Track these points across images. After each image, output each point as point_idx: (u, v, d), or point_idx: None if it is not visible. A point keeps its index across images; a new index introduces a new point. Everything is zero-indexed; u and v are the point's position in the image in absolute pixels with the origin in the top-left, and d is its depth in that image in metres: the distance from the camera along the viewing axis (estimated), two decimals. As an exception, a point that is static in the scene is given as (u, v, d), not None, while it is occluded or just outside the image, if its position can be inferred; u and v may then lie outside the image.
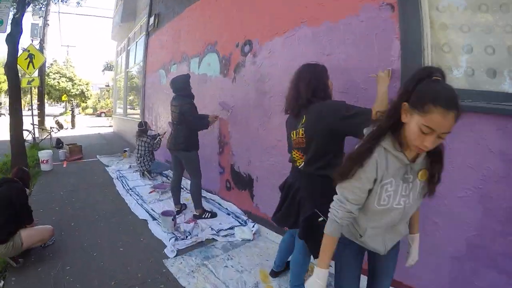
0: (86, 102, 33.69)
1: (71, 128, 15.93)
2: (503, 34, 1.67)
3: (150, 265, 2.73)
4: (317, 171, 1.88)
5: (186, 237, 3.23)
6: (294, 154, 2.05)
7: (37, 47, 10.33)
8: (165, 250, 2.97)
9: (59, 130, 11.75)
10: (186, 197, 4.40)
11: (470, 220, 1.80)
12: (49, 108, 28.60)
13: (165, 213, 3.45)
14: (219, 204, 4.23)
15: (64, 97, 25.60)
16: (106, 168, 6.65)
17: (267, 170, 3.44)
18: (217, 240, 3.24)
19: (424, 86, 1.05)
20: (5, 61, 5.78)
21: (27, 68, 7.20)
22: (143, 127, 5.77)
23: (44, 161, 6.19)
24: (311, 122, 1.87)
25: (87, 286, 2.40)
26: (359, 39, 2.35)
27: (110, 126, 16.56)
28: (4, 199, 2.56)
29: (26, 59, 7.11)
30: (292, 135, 2.05)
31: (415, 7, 1.93)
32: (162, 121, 6.72)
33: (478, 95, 1.74)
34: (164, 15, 6.76)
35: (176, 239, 3.14)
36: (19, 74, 6.26)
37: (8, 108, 6.29)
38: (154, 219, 3.74)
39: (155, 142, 5.73)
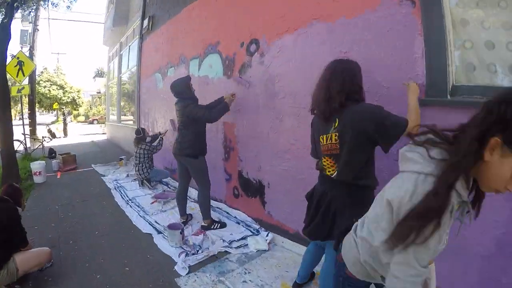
0: (77, 110, 33.15)
1: (64, 137, 15.55)
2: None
3: (161, 285, 2.48)
4: (353, 180, 1.73)
5: (197, 251, 2.99)
6: (325, 162, 1.85)
7: (27, 54, 10.01)
8: (175, 267, 2.73)
9: (51, 139, 11.40)
10: (190, 206, 4.16)
11: (498, 218, 1.72)
12: (40, 117, 28.11)
13: (172, 227, 3.20)
14: (227, 213, 4.00)
15: (55, 105, 25.16)
16: (102, 178, 6.35)
17: (280, 176, 3.23)
18: (230, 253, 3.01)
19: None
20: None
21: (17, 76, 6.93)
22: (140, 135, 5.47)
23: (37, 173, 5.88)
24: (346, 127, 1.68)
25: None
26: (379, 35, 2.22)
27: (103, 133, 16.21)
28: None
29: (15, 66, 6.84)
30: (321, 140, 1.84)
31: (437, 3, 1.84)
32: (160, 126, 6.47)
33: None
34: (159, 17, 6.52)
35: (187, 254, 2.89)
36: (9, 82, 5.98)
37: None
38: (159, 232, 3.48)
39: (156, 143, 5.49)
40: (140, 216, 4.01)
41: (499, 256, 1.74)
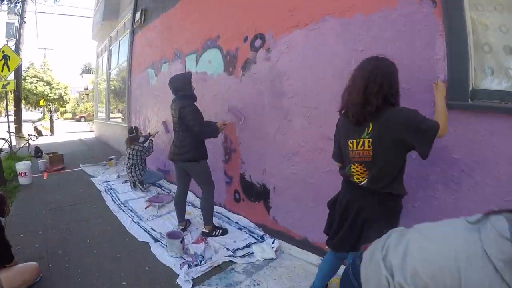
0: (64, 107, 32.47)
1: (50, 135, 15.04)
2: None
3: (163, 303, 2.25)
4: (384, 188, 1.60)
5: (200, 261, 2.76)
6: (354, 168, 1.69)
7: (13, 48, 9.56)
8: (178, 280, 2.49)
9: (37, 138, 10.96)
10: (188, 210, 3.90)
11: None
12: (26, 114, 27.36)
13: (171, 235, 2.95)
14: (228, 218, 3.78)
15: (41, 102, 24.55)
16: (91, 179, 6.02)
17: (288, 179, 3.03)
18: (235, 262, 2.79)
19: None
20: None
21: (2, 70, 6.63)
22: (133, 134, 5.16)
23: (22, 174, 5.52)
24: (381, 132, 1.54)
25: None
26: (398, 34, 2.11)
27: (91, 131, 15.74)
28: None
29: (0, 60, 6.46)
30: (350, 145, 1.68)
31: (458, 4, 1.79)
32: (152, 125, 6.19)
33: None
34: (152, 10, 6.21)
35: (189, 266, 2.66)
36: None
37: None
38: (156, 240, 3.23)
39: (147, 144, 5.21)
40: (134, 222, 3.74)
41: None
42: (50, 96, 28.35)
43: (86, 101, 36.26)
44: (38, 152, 8.18)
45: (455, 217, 0.82)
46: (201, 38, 4.30)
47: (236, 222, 3.63)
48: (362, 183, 1.65)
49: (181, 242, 2.88)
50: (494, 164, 1.69)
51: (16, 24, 10.90)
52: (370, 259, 1.01)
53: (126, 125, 7.93)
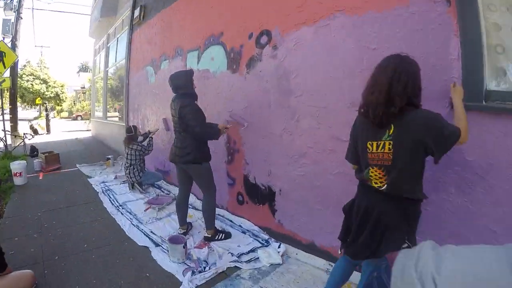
0: (61, 105, 32.17)
1: (46, 133, 14.82)
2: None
3: (165, 313, 2.13)
4: (405, 193, 1.52)
5: (204, 268, 2.63)
6: (373, 173, 1.59)
7: (9, 45, 9.37)
8: (180, 288, 2.37)
9: (33, 136, 10.77)
10: (189, 213, 3.72)
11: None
12: (22, 112, 27.10)
13: (173, 240, 2.82)
14: (231, 221, 3.65)
15: (38, 100, 24.31)
16: (88, 179, 5.85)
17: (295, 182, 2.92)
18: (241, 268, 2.67)
19: None
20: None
21: (-3, 67, 6.42)
22: (132, 133, 5.01)
23: (17, 174, 5.35)
24: (403, 135, 1.47)
25: None
26: (411, 33, 2.03)
27: (88, 130, 15.55)
28: None
29: (-5, 57, 6.32)
30: (369, 147, 1.58)
31: (473, 3, 1.75)
32: (151, 124, 6.04)
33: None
34: (152, 6, 6.06)
35: (193, 272, 2.53)
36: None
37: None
38: (157, 245, 3.10)
39: (146, 143, 5.06)
40: (134, 225, 3.61)
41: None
42: (46, 95, 28.09)
43: (82, 100, 36.00)
44: (33, 151, 8.02)
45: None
46: (204, 34, 4.17)
47: (240, 225, 3.51)
48: (382, 188, 1.57)
49: (184, 247, 2.75)
50: (508, 166, 1.65)
51: (12, 20, 10.70)
52: (402, 277, 0.90)
53: (123, 124, 7.78)
